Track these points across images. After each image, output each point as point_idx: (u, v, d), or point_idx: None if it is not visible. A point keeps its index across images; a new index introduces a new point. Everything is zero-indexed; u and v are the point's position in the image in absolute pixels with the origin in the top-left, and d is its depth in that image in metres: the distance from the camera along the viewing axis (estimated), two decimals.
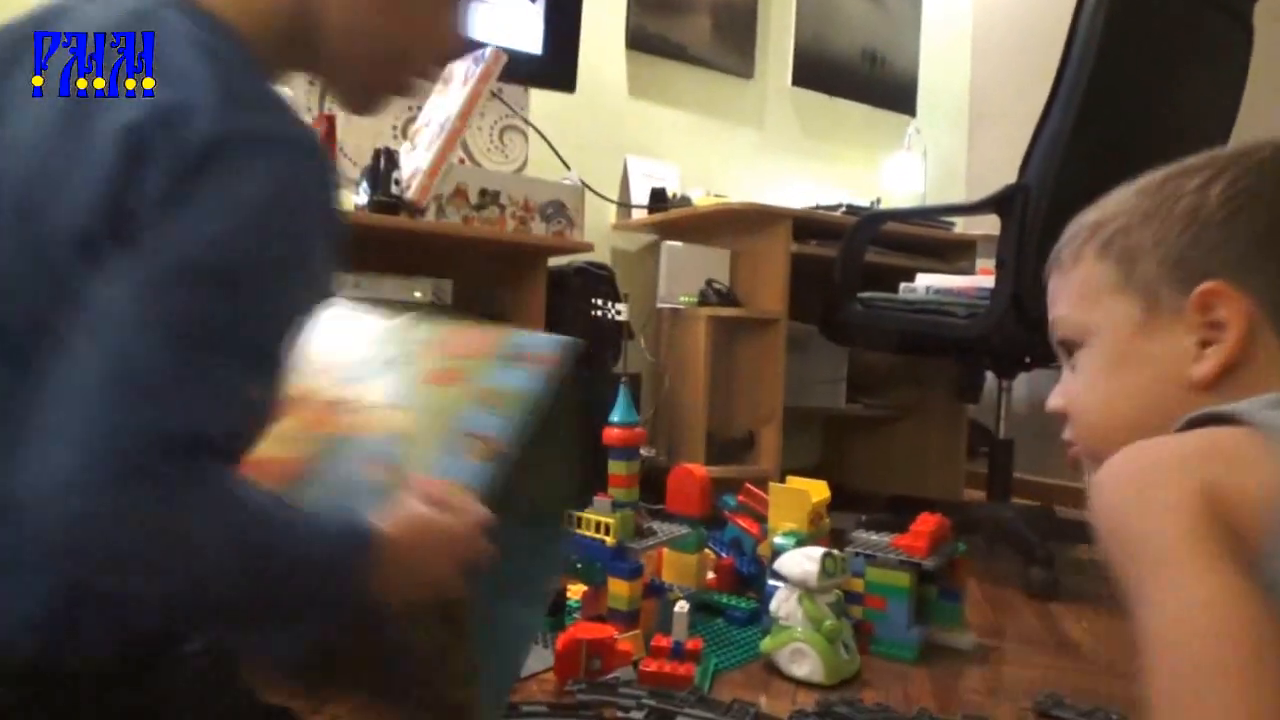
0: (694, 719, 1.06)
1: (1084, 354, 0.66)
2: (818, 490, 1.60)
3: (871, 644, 1.41)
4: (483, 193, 1.71)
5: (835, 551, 1.33)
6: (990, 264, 2.01)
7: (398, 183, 1.66)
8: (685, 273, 2.31)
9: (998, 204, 1.85)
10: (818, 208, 2.65)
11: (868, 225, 2.11)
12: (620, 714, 1.08)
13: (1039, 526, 2.06)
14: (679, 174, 2.65)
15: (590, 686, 1.14)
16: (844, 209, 2.38)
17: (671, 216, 2.40)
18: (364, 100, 0.70)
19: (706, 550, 1.65)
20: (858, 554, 1.44)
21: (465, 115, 1.67)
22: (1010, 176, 1.86)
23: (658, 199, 2.43)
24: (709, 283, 2.25)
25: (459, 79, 1.77)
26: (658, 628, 1.38)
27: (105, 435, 0.47)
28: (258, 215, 0.52)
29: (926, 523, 1.45)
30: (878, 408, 2.66)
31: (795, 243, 2.24)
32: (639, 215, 2.49)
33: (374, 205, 1.63)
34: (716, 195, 2.64)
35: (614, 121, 2.61)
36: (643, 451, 2.34)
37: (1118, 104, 1.78)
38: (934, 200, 3.09)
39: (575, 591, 1.49)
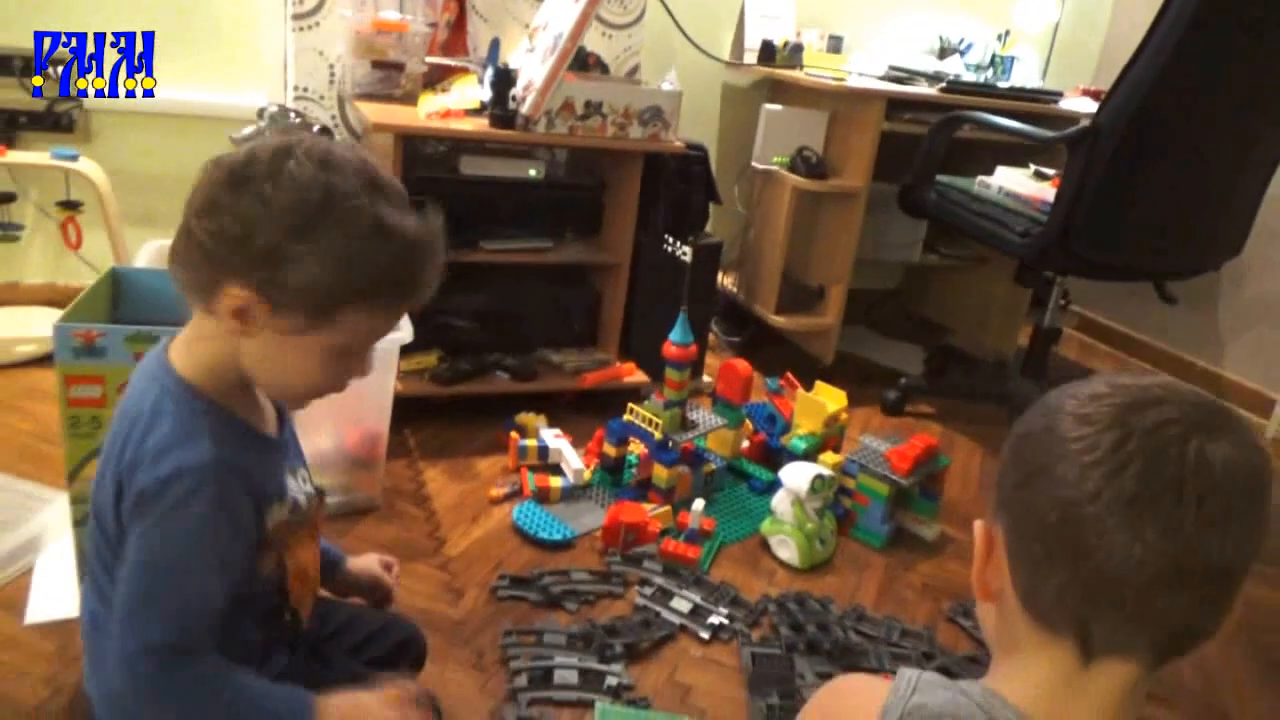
0: (686, 600, 1.53)
1: None
2: (836, 399, 1.95)
3: (853, 529, 1.83)
4: (587, 104, 1.94)
5: (825, 473, 1.71)
6: None
7: (514, 99, 1.91)
8: (781, 135, 2.48)
9: (1068, 140, 1.95)
10: (940, 41, 2.69)
11: (950, 124, 2.22)
12: (639, 588, 1.56)
13: None
14: (794, 12, 2.69)
15: (624, 559, 1.63)
16: (944, 84, 2.43)
17: (777, 76, 2.53)
18: (291, 405, 0.99)
19: (746, 423, 2.05)
20: (854, 461, 1.82)
21: (575, 37, 1.86)
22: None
23: (767, 52, 2.54)
24: (800, 150, 2.43)
25: None
26: (692, 493, 1.84)
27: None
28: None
29: (915, 446, 1.80)
30: (952, 258, 2.85)
31: (887, 121, 2.36)
32: (749, 60, 2.62)
33: (493, 119, 1.91)
34: (831, 37, 2.70)
35: None
36: (725, 284, 2.68)
37: (1203, 66, 1.80)
38: (1065, 34, 3.00)
39: (636, 448, 1.94)
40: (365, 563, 1.21)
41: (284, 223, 0.81)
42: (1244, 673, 1.59)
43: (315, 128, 2.04)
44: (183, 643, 0.83)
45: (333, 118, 2.22)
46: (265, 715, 0.87)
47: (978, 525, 0.73)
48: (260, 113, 2.08)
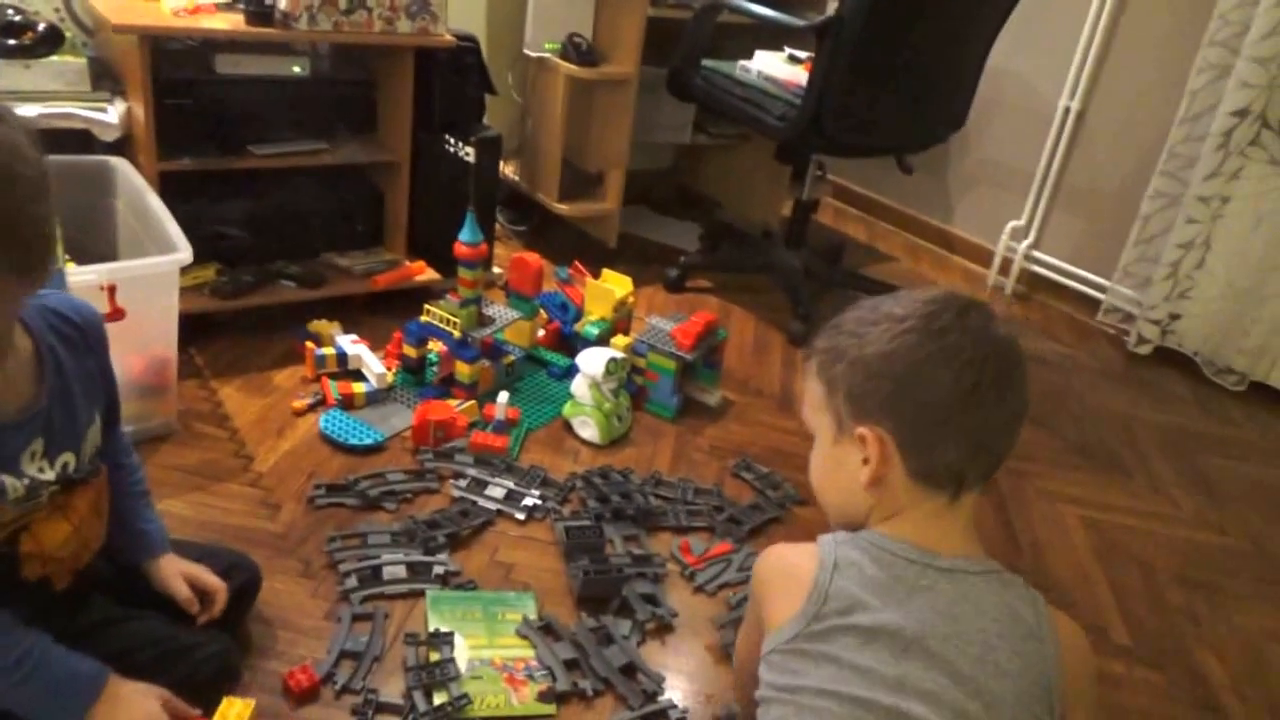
0: (500, 487, 1.64)
1: (814, 445, 1.00)
2: (623, 285, 2.07)
3: (646, 403, 1.99)
4: None
5: (618, 355, 1.84)
6: None
7: None
8: (550, 20, 2.49)
9: (816, 29, 2.10)
10: None
11: (710, 11, 2.32)
12: (453, 481, 1.65)
13: (819, 276, 2.61)
14: None
15: (436, 455, 1.70)
16: None
17: None
18: None
19: (541, 312, 2.14)
20: (643, 341, 1.96)
21: None
22: None
23: None
24: (571, 37, 2.45)
25: None
26: (495, 386, 1.93)
27: None
28: None
29: (696, 324, 1.96)
30: (720, 137, 3.01)
31: (653, 6, 2.42)
32: None
33: (249, 16, 1.80)
34: None
35: None
36: (509, 175, 2.71)
37: None
38: None
39: (436, 346, 1.98)
40: (168, 576, 1.16)
41: None
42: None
43: (40, 25, 1.85)
44: None
45: (56, 10, 2.00)
46: (60, 674, 0.96)
47: (869, 434, 0.91)
48: None
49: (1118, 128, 2.74)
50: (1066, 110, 2.81)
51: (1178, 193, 2.52)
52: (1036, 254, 2.98)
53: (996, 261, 3.05)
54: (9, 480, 0.95)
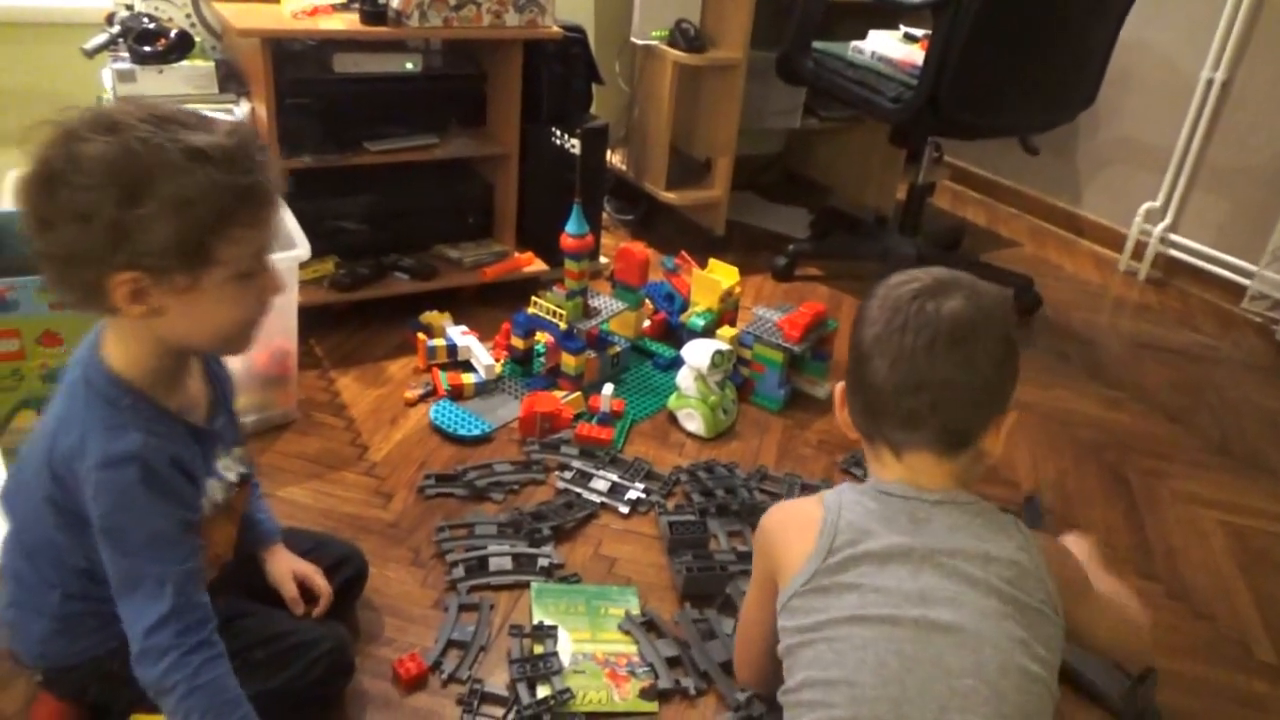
0: (604, 479, 1.64)
1: None
2: (730, 276, 2.04)
3: (752, 396, 1.96)
4: None
5: (724, 347, 1.81)
6: None
7: None
8: (658, 7, 2.46)
9: (934, 6, 2.01)
10: None
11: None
12: (558, 473, 1.66)
13: (936, 263, 2.51)
14: None
15: (542, 446, 1.72)
16: None
17: None
18: (229, 353, 1.03)
19: (646, 303, 2.13)
20: (749, 333, 1.93)
21: None
22: None
23: None
24: (679, 23, 2.43)
25: None
26: (600, 377, 1.93)
27: None
28: None
29: (805, 314, 1.91)
30: (831, 120, 2.93)
31: None
32: None
33: (364, 16, 1.85)
34: None
35: None
36: (616, 164, 2.71)
37: None
38: None
39: (543, 337, 2.00)
40: (280, 574, 1.20)
41: (110, 199, 0.81)
42: (1093, 488, 1.81)
43: (172, 32, 1.94)
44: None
45: (188, 17, 2.10)
46: None
47: (838, 386, 1.04)
48: (109, 18, 1.97)
49: (1268, 99, 2.53)
50: (1209, 82, 2.62)
51: None
52: (1174, 237, 2.79)
53: (1129, 246, 2.88)
54: (214, 484, 1.00)
